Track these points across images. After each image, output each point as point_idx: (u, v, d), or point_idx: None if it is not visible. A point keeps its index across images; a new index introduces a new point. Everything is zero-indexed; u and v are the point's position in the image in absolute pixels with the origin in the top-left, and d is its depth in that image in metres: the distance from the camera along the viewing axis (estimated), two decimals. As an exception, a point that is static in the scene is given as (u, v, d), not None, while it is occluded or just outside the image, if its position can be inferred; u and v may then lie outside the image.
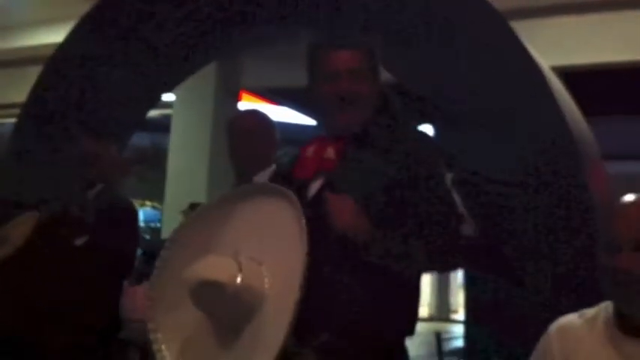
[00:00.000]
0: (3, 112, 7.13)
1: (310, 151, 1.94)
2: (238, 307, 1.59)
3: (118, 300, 3.19)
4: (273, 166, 2.74)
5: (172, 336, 1.72)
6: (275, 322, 1.54)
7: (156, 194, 7.77)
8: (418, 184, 1.76)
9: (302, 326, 1.54)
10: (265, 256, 1.65)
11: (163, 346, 1.70)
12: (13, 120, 4.63)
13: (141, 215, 9.82)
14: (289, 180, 1.87)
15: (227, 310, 1.60)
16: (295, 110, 7.29)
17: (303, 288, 1.55)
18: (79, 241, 2.65)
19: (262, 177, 2.67)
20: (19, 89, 6.15)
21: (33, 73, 4.40)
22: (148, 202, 8.77)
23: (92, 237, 2.65)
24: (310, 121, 7.29)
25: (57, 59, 3.95)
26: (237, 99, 6.76)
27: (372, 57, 1.91)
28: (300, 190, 1.81)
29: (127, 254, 2.89)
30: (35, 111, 3.93)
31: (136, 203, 9.13)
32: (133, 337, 3.82)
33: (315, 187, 1.85)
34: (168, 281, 1.76)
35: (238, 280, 1.58)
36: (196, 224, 1.83)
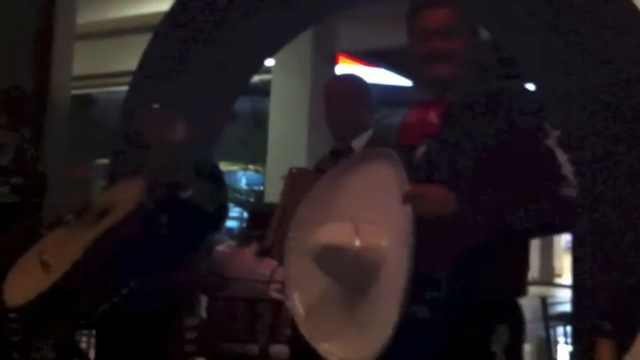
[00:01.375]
0: (114, 80, 7.48)
1: (413, 116, 1.96)
2: (361, 267, 1.67)
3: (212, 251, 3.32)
4: (371, 130, 2.77)
5: (307, 301, 1.83)
6: (395, 280, 1.61)
7: (258, 158, 7.96)
8: (520, 143, 1.75)
9: (414, 281, 1.61)
10: (380, 217, 1.72)
11: (299, 305, 1.82)
12: (124, 87, 4.85)
13: (244, 179, 10.09)
14: (395, 147, 1.90)
15: (351, 272, 1.69)
16: (392, 72, 7.26)
17: (414, 246, 1.60)
18: (185, 195, 2.76)
19: (360, 141, 2.70)
20: (127, 57, 6.42)
21: (141, 41, 4.59)
22: (250, 166, 9.00)
23: (194, 190, 2.76)
24: (407, 83, 7.25)
25: (164, 27, 4.11)
26: (335, 62, 6.81)
27: (466, 14, 1.90)
28: (408, 155, 1.85)
29: (218, 207, 3.02)
30: (146, 77, 4.11)
31: (239, 167, 9.39)
32: (238, 294, 4.01)
33: (421, 152, 1.88)
34: (298, 256, 1.87)
35: (357, 242, 1.66)
36: (314, 200, 1.92)
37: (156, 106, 3.03)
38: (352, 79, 2.91)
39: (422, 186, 1.70)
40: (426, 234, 1.63)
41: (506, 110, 1.79)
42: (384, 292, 1.65)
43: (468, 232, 1.68)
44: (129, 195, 2.79)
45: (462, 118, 1.82)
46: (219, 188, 2.96)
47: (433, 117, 1.87)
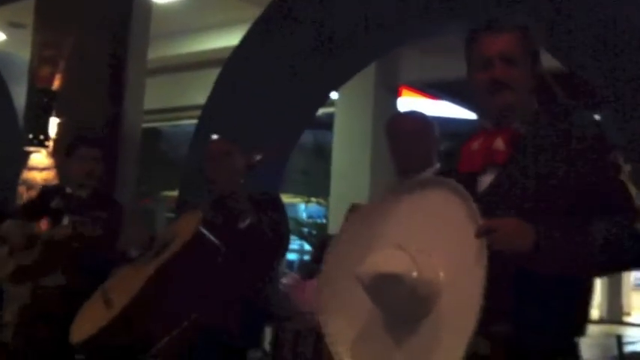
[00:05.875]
0: (181, 114, 7.65)
1: (476, 144, 1.92)
2: (416, 300, 1.59)
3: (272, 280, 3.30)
4: (437, 165, 2.74)
5: (345, 331, 1.75)
6: (458, 315, 1.53)
7: (320, 191, 7.99)
8: (591, 175, 1.70)
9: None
10: (433, 248, 1.63)
11: (336, 341, 1.73)
12: (190, 121, 4.96)
13: (304, 212, 10.10)
14: (454, 175, 1.86)
15: (405, 304, 1.61)
16: (455, 104, 7.22)
17: (486, 280, 1.51)
18: (242, 225, 2.77)
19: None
20: (194, 92, 6.56)
21: (208, 75, 4.69)
22: (312, 199, 9.02)
23: (253, 220, 2.77)
24: (471, 115, 7.19)
25: (233, 62, 4.18)
26: (397, 95, 6.82)
27: (528, 41, 1.87)
28: (469, 184, 1.80)
29: (279, 237, 3.02)
30: (214, 112, 4.19)
31: (301, 199, 9.42)
32: (304, 326, 4.00)
33: (485, 180, 1.83)
34: (337, 279, 1.78)
35: (414, 272, 1.58)
36: (361, 221, 1.84)
37: (214, 137, 3.07)
38: (415, 117, 2.88)
39: (498, 219, 1.62)
40: (493, 268, 1.58)
41: (577, 140, 1.75)
42: (442, 327, 1.57)
43: (540, 267, 1.63)
44: (187, 227, 2.82)
45: (530, 147, 1.78)
46: (279, 219, 2.97)
47: (500, 144, 1.82)
